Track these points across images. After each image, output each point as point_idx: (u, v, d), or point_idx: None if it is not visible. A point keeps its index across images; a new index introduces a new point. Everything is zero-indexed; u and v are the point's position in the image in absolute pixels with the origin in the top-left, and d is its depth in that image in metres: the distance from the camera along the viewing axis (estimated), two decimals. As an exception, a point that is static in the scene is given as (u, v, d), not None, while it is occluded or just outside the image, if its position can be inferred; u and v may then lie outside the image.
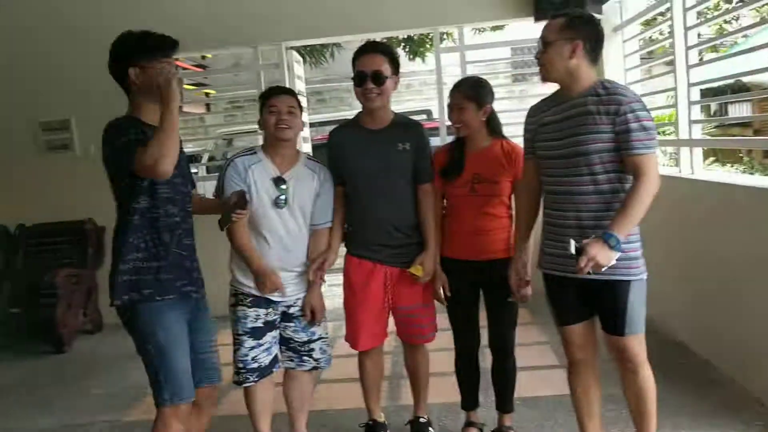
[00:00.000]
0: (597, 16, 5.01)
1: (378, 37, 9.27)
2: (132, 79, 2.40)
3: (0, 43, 5.85)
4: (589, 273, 2.29)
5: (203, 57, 12.70)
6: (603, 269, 2.29)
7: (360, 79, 2.85)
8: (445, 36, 9.86)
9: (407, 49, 11.73)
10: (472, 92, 2.87)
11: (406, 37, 11.25)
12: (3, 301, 5.40)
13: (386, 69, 2.84)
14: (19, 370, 4.90)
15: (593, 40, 2.46)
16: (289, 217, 2.85)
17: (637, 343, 2.52)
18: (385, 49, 2.91)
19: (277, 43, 5.83)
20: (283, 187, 2.81)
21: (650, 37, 6.87)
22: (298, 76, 6.14)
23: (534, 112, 2.68)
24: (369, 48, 2.90)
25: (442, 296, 2.99)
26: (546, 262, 2.63)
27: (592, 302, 2.57)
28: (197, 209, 2.69)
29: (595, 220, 2.44)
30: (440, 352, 3.23)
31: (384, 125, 2.94)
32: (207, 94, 11.20)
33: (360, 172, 2.93)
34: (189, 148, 10.35)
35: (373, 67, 2.83)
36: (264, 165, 2.83)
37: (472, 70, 5.93)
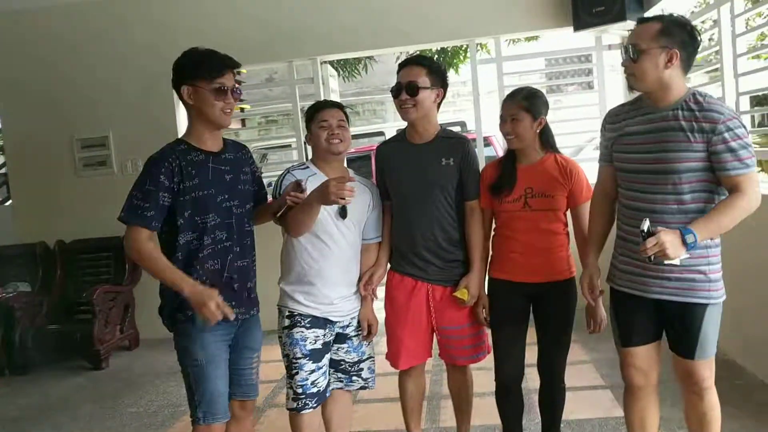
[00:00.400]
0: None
1: (412, 50, 9.33)
2: (184, 98, 2.44)
3: (39, 60, 5.93)
4: (649, 260, 2.16)
5: (238, 72, 12.90)
6: (666, 261, 2.17)
7: (396, 90, 2.80)
8: (479, 47, 9.81)
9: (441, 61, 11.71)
10: (527, 103, 2.72)
11: (439, 49, 11.22)
12: (41, 317, 5.42)
13: (423, 80, 2.77)
14: (57, 387, 4.90)
15: (689, 47, 2.29)
16: (348, 230, 2.79)
17: (706, 368, 2.39)
18: (426, 61, 2.84)
19: (311, 58, 5.81)
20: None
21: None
22: (333, 89, 6.11)
23: (614, 118, 2.52)
24: (409, 60, 2.85)
25: (483, 319, 2.87)
26: (618, 279, 2.50)
27: (662, 322, 2.45)
28: (262, 218, 2.74)
29: None
30: (483, 371, 3.10)
31: (428, 139, 2.87)
32: (242, 110, 11.27)
33: (402, 187, 2.87)
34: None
35: (409, 78, 2.77)
36: (320, 178, 2.72)
37: (507, 82, 5.84)
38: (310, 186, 2.62)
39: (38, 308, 5.45)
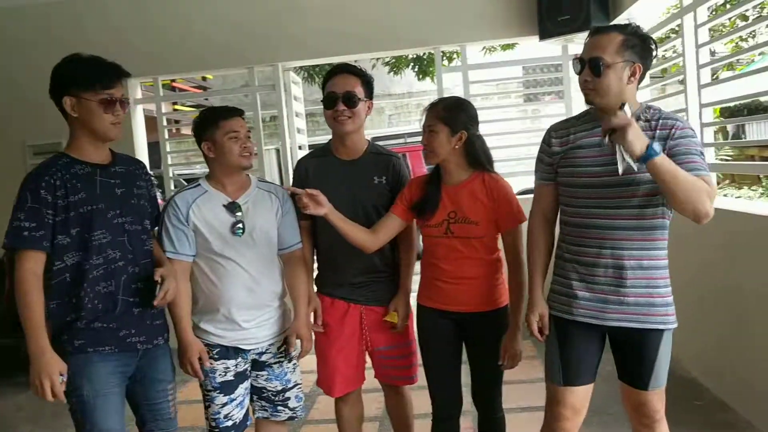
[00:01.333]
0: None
1: (378, 56, 9.19)
2: (66, 109, 2.26)
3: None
4: (607, 137, 1.98)
5: (204, 78, 12.73)
6: (619, 147, 1.99)
7: (330, 101, 2.63)
8: (455, 56, 9.77)
9: (416, 69, 11.61)
10: (446, 114, 2.45)
11: (415, 56, 11.13)
12: (-13, 331, 5.19)
13: (359, 91, 2.63)
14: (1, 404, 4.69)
15: (648, 61, 2.18)
16: (253, 245, 2.55)
17: (658, 398, 2.26)
18: (359, 72, 2.69)
19: (273, 64, 5.66)
20: (239, 214, 2.53)
21: (663, 55, 6.64)
22: (296, 97, 5.96)
23: (559, 133, 2.34)
24: (341, 69, 2.69)
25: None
26: (569, 306, 2.29)
27: (602, 354, 2.31)
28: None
29: (636, 260, 2.17)
30: (424, 391, 2.93)
31: (358, 155, 2.72)
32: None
33: (335, 206, 2.69)
34: (188, 171, 10.28)
35: (346, 87, 2.62)
36: (211, 197, 2.54)
37: (477, 90, 5.73)
38: (199, 206, 2.50)
39: (-18, 321, 5.21)
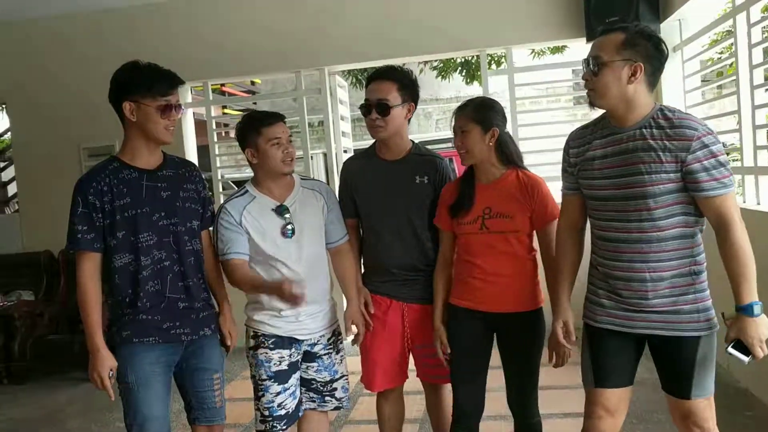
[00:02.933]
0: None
1: (425, 59, 9.17)
2: (125, 114, 2.38)
3: (47, 70, 5.96)
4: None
5: (252, 83, 12.97)
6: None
7: (365, 109, 2.66)
8: (503, 60, 9.69)
9: (463, 73, 11.57)
10: (476, 114, 2.48)
11: (463, 60, 11.09)
12: (42, 327, 5.39)
13: (394, 97, 2.63)
14: (51, 398, 4.86)
15: (655, 60, 2.09)
16: (303, 245, 2.62)
17: (705, 407, 2.16)
18: (396, 75, 2.68)
19: (319, 68, 5.72)
20: (287, 216, 2.60)
21: (717, 57, 6.48)
22: (341, 100, 6.01)
23: (577, 142, 2.30)
24: (377, 75, 2.70)
25: (440, 353, 2.65)
26: (598, 315, 2.26)
27: (638, 360, 2.27)
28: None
29: (658, 272, 2.12)
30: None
31: (400, 156, 2.74)
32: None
33: (374, 206, 2.74)
34: (237, 174, 10.45)
35: (378, 95, 2.63)
36: (260, 202, 2.61)
37: (525, 94, 5.69)
38: (250, 212, 2.57)
39: (39, 318, 5.41)
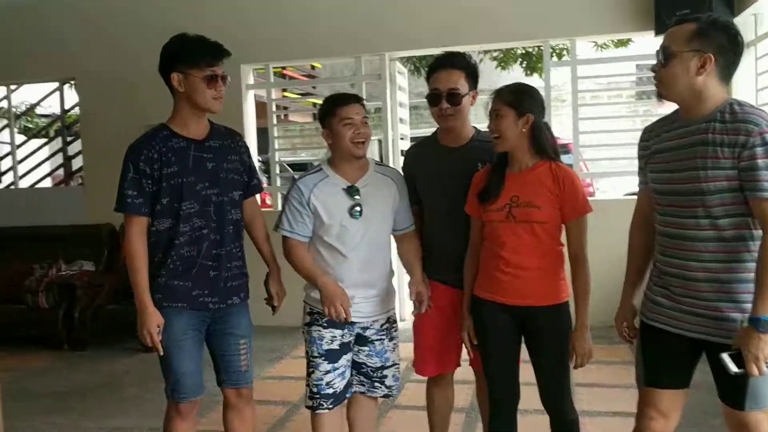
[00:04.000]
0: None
1: (486, 48, 9.07)
2: (173, 85, 2.48)
3: (114, 47, 6.15)
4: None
5: (312, 67, 13.04)
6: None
7: (434, 99, 2.64)
8: (565, 53, 9.53)
9: (524, 65, 11.40)
10: (512, 97, 2.41)
11: (524, 51, 10.93)
12: (102, 297, 5.57)
13: (462, 86, 2.61)
14: (108, 366, 5.06)
15: (729, 52, 2.00)
16: (369, 228, 2.64)
17: (761, 421, 2.06)
18: (462, 63, 2.66)
19: (380, 54, 5.73)
20: (357, 197, 2.62)
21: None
22: (401, 87, 6.01)
23: (647, 135, 2.25)
24: (444, 63, 2.66)
25: (467, 343, 2.63)
26: (652, 313, 2.21)
27: (696, 366, 2.20)
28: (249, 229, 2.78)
29: (713, 273, 2.04)
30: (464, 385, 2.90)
31: (463, 143, 2.73)
32: (315, 105, 11.39)
33: (437, 192, 2.73)
34: (293, 157, 10.58)
35: (449, 85, 2.61)
36: (331, 181, 2.64)
37: (586, 87, 5.59)
38: (321, 189, 2.60)
39: (99, 288, 5.60)
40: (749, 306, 1.98)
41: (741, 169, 1.94)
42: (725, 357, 1.94)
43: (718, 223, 2.02)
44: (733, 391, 2.06)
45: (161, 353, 2.53)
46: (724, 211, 2.01)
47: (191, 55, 2.45)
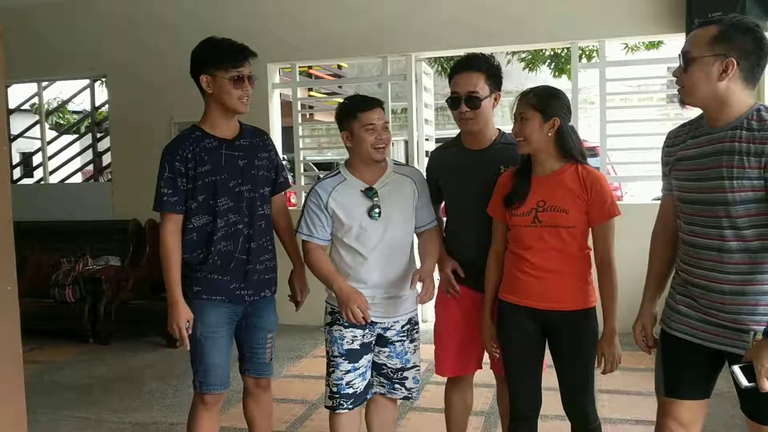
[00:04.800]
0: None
1: (513, 49, 8.99)
2: (203, 87, 2.58)
3: (144, 45, 6.20)
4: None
5: (339, 67, 13.07)
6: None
7: (454, 102, 2.62)
8: (594, 54, 9.43)
9: (552, 66, 11.31)
10: (538, 100, 2.37)
11: (552, 53, 10.84)
12: (127, 292, 5.64)
13: (483, 88, 2.58)
14: (131, 360, 5.12)
15: (753, 55, 1.92)
16: (389, 229, 2.63)
17: None
18: (483, 65, 2.62)
19: (406, 54, 5.72)
20: (376, 199, 2.62)
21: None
22: (426, 88, 5.99)
23: (672, 141, 2.19)
24: (464, 65, 2.64)
25: (489, 348, 2.61)
26: (673, 321, 2.16)
27: (716, 374, 2.14)
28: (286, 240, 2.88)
29: (738, 285, 1.98)
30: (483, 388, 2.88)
31: (487, 145, 2.70)
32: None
33: (459, 194, 2.72)
34: (319, 156, 10.60)
35: (468, 88, 2.58)
36: (349, 184, 2.65)
37: (616, 89, 5.51)
38: (339, 192, 2.62)
39: (124, 282, 5.66)
40: None
41: (766, 178, 1.88)
42: (736, 369, 1.84)
43: (742, 234, 1.96)
44: (756, 404, 2.00)
45: (188, 347, 2.62)
46: (749, 222, 1.95)
47: (217, 58, 2.55)
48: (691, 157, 2.07)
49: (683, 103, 2.07)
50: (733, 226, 1.97)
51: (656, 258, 2.30)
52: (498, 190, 2.55)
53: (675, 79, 2.07)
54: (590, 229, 2.44)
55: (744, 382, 1.82)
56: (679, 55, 2.03)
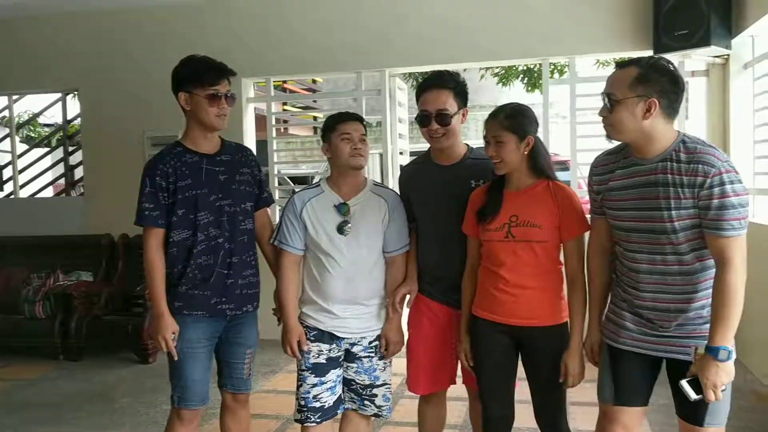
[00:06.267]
0: (725, 51, 4.63)
1: (487, 65, 9.10)
2: (181, 104, 2.63)
3: (119, 58, 6.16)
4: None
5: (314, 81, 13.12)
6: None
7: (424, 120, 2.64)
8: (567, 69, 9.59)
9: (525, 81, 11.48)
10: (511, 122, 2.40)
11: (525, 68, 11.00)
12: (99, 307, 5.56)
13: (452, 105, 2.62)
14: (102, 376, 5.04)
15: (671, 93, 2.06)
16: (356, 246, 2.66)
17: None
18: (451, 82, 2.66)
19: (380, 70, 5.76)
20: (347, 214, 2.66)
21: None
22: (400, 102, 6.03)
23: (600, 170, 2.30)
24: (433, 83, 2.67)
25: (465, 362, 2.64)
26: (621, 337, 2.27)
27: (655, 380, 2.28)
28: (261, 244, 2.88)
29: (681, 303, 2.13)
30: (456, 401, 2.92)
31: (456, 161, 2.73)
32: (315, 118, 11.45)
33: (430, 210, 2.73)
34: (294, 170, 10.61)
35: (437, 106, 2.61)
36: (326, 197, 2.70)
37: (586, 104, 5.61)
38: (313, 205, 2.68)
39: (96, 298, 5.59)
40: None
41: (700, 207, 2.02)
42: (685, 384, 2.02)
43: (683, 259, 2.11)
44: (695, 409, 2.13)
45: (176, 358, 2.64)
46: (689, 247, 2.09)
47: (194, 76, 2.60)
48: (623, 187, 2.19)
49: (610, 138, 2.19)
50: (675, 252, 2.11)
51: (597, 280, 2.40)
52: (471, 206, 2.57)
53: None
54: (561, 245, 2.48)
55: (693, 395, 2.00)
56: (603, 95, 2.13)
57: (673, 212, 2.06)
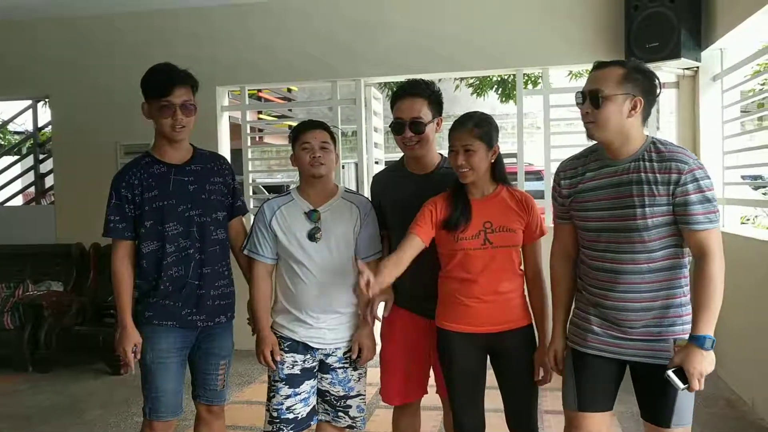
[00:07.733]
0: (694, 63, 4.72)
1: (461, 76, 9.17)
2: (144, 114, 2.65)
3: (88, 67, 6.10)
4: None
5: (289, 90, 13.12)
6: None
7: (398, 128, 2.64)
8: (540, 80, 9.70)
9: (499, 92, 11.56)
10: (481, 131, 2.43)
11: (499, 79, 11.08)
12: (69, 317, 5.47)
13: (426, 113, 2.63)
14: (72, 388, 4.95)
15: (651, 96, 2.15)
16: (328, 253, 2.64)
17: None
18: (425, 91, 2.66)
19: (356, 79, 5.77)
20: (317, 221, 2.64)
21: (759, 88, 6.39)
22: (376, 112, 6.05)
23: (569, 173, 2.34)
24: (407, 91, 2.66)
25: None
26: (586, 341, 2.29)
27: (619, 384, 2.30)
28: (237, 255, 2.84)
29: (649, 302, 2.17)
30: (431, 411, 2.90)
31: (430, 170, 2.74)
32: (290, 127, 11.42)
33: (401, 219, 2.69)
34: (269, 179, 10.57)
35: (411, 114, 2.62)
36: (294, 205, 2.69)
37: (560, 115, 5.68)
38: (282, 213, 2.66)
39: (67, 308, 5.50)
40: (681, 328, 2.14)
41: (675, 204, 2.08)
42: (671, 375, 2.05)
43: (653, 256, 2.15)
44: (659, 409, 2.18)
45: (133, 371, 2.62)
46: (660, 245, 2.14)
47: (146, 87, 2.60)
48: (595, 188, 2.23)
49: (591, 137, 2.21)
50: (645, 249, 2.14)
51: (560, 283, 2.43)
52: (428, 213, 2.51)
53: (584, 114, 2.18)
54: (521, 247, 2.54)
55: (681, 384, 2.03)
56: (584, 93, 2.16)
57: (647, 209, 2.10)
